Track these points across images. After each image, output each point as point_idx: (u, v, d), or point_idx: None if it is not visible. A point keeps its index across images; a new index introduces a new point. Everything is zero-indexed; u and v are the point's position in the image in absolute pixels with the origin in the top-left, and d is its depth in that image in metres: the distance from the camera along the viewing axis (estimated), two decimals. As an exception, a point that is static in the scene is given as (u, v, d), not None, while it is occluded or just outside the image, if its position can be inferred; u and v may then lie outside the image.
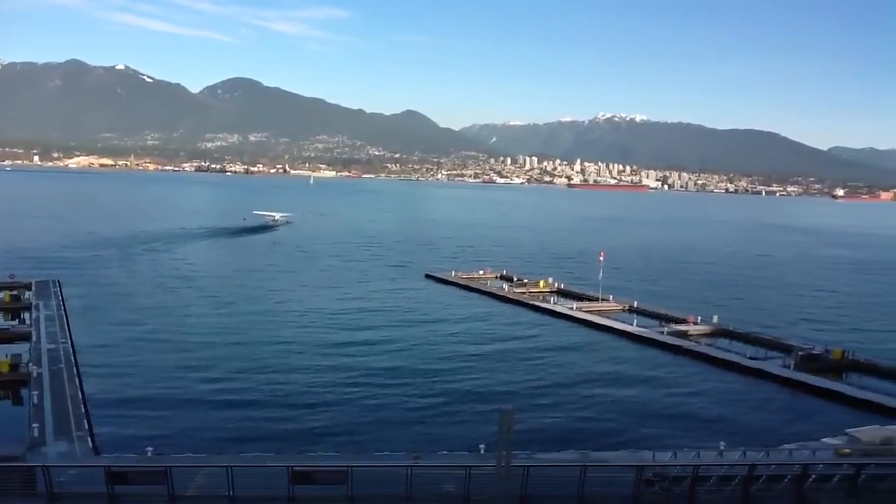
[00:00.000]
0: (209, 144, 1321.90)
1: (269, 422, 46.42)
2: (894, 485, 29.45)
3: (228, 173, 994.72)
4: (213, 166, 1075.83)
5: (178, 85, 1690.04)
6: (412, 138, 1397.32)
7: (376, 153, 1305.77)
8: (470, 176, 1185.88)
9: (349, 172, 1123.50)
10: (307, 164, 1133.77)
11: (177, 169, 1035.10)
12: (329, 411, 48.98)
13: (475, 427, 45.03)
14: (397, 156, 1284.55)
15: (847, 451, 37.29)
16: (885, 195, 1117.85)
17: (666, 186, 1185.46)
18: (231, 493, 27.88)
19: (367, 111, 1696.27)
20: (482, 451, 34.06)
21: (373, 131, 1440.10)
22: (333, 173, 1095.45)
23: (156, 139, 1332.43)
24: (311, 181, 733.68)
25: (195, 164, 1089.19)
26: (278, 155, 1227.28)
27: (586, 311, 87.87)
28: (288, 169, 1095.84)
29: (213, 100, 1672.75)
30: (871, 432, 41.06)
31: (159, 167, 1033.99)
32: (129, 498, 27.85)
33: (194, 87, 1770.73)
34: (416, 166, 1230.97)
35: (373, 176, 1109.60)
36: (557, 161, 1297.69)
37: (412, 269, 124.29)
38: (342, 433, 44.72)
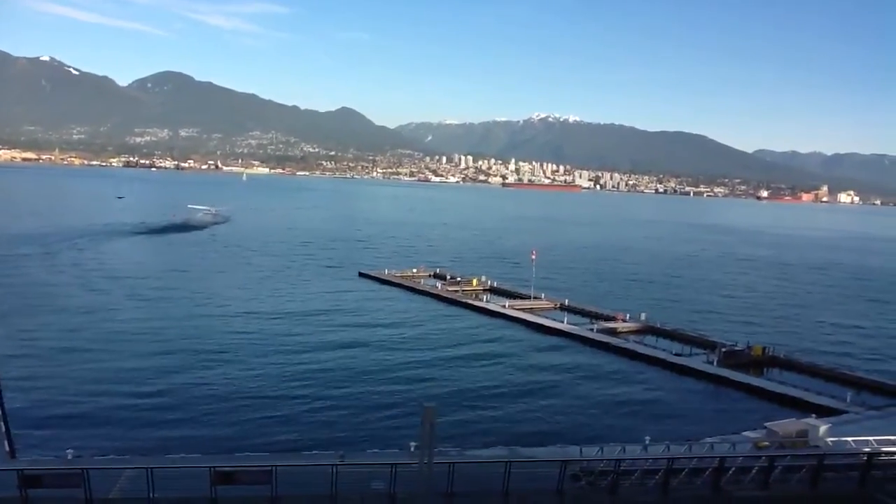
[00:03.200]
0: (138, 139, 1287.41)
1: (193, 423, 45.54)
2: (807, 475, 30.53)
3: (154, 169, 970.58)
4: (142, 162, 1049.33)
5: (106, 78, 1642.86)
6: (347, 136, 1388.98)
7: (311, 150, 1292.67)
8: (405, 174, 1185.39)
9: (283, 170, 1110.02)
10: (240, 161, 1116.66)
11: (104, 164, 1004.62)
12: (255, 411, 48.27)
13: (405, 425, 45.04)
14: (332, 153, 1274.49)
15: (765, 443, 38.52)
16: (806, 196, 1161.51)
17: (598, 186, 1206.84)
18: (151, 495, 27.22)
19: (302, 108, 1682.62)
20: (412, 449, 34.05)
21: (307, 128, 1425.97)
22: (267, 170, 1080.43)
23: (82, 133, 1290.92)
24: (244, 178, 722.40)
25: (123, 159, 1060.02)
26: (210, 151, 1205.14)
27: (518, 309, 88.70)
28: (220, 165, 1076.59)
29: (143, 94, 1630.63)
30: (787, 425, 42.53)
31: (85, 162, 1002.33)
32: (43, 502, 26.93)
33: (123, 81, 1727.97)
34: (351, 164, 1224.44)
35: (307, 173, 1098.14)
36: (492, 160, 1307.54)
37: (346, 268, 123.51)
38: (268, 433, 44.17)
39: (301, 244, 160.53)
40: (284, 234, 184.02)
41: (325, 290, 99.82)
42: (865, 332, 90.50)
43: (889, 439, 38.47)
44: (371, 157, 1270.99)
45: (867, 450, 34.27)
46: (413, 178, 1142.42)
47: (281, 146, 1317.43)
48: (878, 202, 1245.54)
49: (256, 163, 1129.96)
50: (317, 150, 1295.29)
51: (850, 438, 38.44)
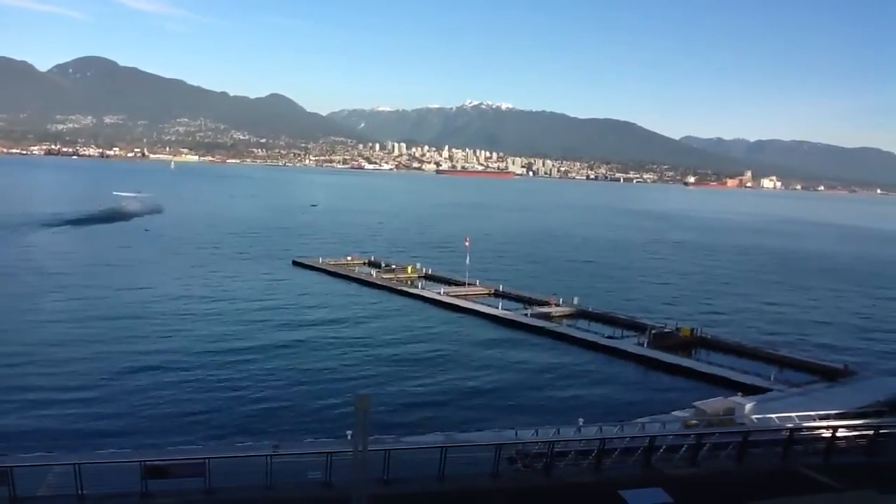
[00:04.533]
0: (60, 126, 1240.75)
1: (123, 417, 44.42)
2: (734, 452, 31.50)
3: (77, 157, 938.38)
4: (64, 150, 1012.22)
5: (25, 62, 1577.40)
6: (279, 123, 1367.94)
7: (241, 137, 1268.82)
8: (339, 162, 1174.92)
9: (213, 157, 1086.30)
10: (167, 149, 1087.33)
11: (24, 152, 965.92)
12: (188, 404, 47.36)
13: (340, 413, 44.86)
14: (263, 140, 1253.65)
15: (694, 422, 39.64)
16: (731, 182, 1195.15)
17: (531, 173, 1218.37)
18: (80, 491, 26.47)
19: (232, 94, 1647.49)
20: (348, 437, 33.91)
21: (237, 115, 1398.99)
22: (196, 158, 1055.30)
23: (0, 120, 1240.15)
24: (172, 166, 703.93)
25: (45, 147, 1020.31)
26: (136, 138, 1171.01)
27: (453, 296, 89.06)
28: (147, 153, 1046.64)
29: (64, 79, 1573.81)
30: (715, 404, 43.88)
31: (4, 150, 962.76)
32: (-35, 503, 25.93)
33: (43, 66, 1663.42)
34: (283, 151, 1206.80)
35: (238, 161, 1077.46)
36: (426, 147, 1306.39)
37: (280, 257, 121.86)
38: (201, 425, 43.42)
39: (233, 233, 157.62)
40: (216, 223, 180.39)
41: (258, 280, 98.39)
42: (788, 312, 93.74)
43: (809, 415, 40.05)
44: (303, 145, 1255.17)
45: (790, 426, 35.56)
46: (346, 166, 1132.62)
47: (210, 133, 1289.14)
48: (798, 187, 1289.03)
49: (185, 150, 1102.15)
50: (247, 137, 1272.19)
51: (773, 415, 39.86)
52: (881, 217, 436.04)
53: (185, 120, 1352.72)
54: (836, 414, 42.21)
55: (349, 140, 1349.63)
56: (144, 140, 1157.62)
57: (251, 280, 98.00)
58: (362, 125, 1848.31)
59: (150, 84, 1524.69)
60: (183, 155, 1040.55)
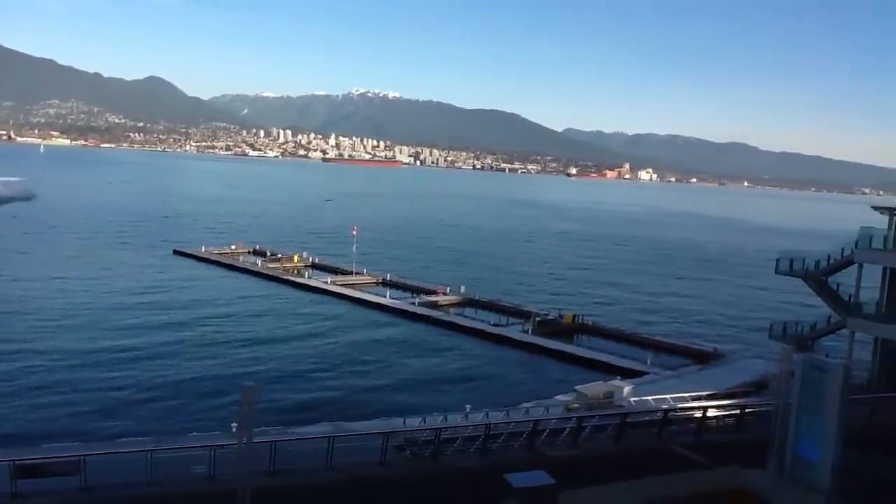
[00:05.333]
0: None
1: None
2: (612, 433, 32.76)
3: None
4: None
5: None
6: (157, 106, 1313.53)
7: (117, 121, 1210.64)
8: (221, 148, 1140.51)
9: (86, 141, 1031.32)
10: (36, 131, 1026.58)
11: None
12: (64, 399, 45.19)
13: (225, 406, 43.88)
14: (141, 125, 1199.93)
15: (575, 405, 41.01)
16: (610, 174, 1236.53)
17: (418, 162, 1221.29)
18: (-57, 496, 24.87)
19: (106, 75, 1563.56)
20: (234, 430, 33.23)
21: (112, 97, 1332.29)
22: (68, 142, 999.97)
23: None
24: (42, 149, 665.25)
25: None
26: (1, 120, 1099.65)
27: (341, 285, 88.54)
28: (13, 136, 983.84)
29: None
30: (595, 388, 45.57)
31: None
32: None
33: None
34: (162, 136, 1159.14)
35: (113, 146, 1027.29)
36: (312, 135, 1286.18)
37: (159, 246, 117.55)
38: (78, 422, 41.54)
39: (110, 221, 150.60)
40: (92, 210, 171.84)
41: (137, 270, 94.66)
42: (663, 299, 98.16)
43: (682, 396, 42.20)
44: (183, 130, 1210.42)
45: (664, 407, 37.36)
46: (229, 153, 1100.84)
47: (83, 116, 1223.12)
48: (672, 179, 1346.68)
49: (56, 133, 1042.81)
50: (123, 121, 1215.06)
51: (650, 397, 41.78)
52: (748, 208, 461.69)
53: (56, 102, 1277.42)
54: (707, 395, 44.65)
55: (232, 126, 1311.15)
56: (10, 122, 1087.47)
57: (129, 270, 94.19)
58: (246, 111, 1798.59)
59: (18, 63, 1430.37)
60: (53, 138, 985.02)
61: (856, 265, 50.88)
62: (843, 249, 52.27)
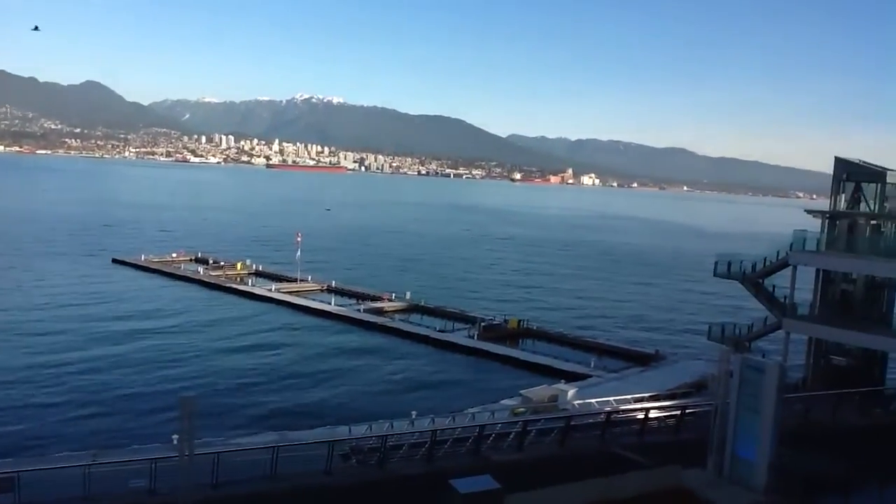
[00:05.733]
0: None
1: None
2: (557, 436, 33.03)
3: None
4: None
5: None
6: (95, 112, 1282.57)
7: (53, 127, 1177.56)
8: (162, 154, 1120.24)
9: (20, 148, 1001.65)
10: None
11: None
12: (-4, 415, 43.76)
13: (166, 418, 42.98)
14: (78, 130, 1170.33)
15: (521, 409, 41.30)
16: (554, 179, 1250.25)
17: (363, 168, 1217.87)
18: None
19: (41, 80, 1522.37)
20: (175, 442, 32.58)
21: (48, 102, 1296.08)
22: (2, 148, 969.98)
23: None
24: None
25: None
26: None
27: (285, 292, 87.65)
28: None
29: None
30: (540, 391, 45.98)
31: None
32: None
33: None
34: (100, 143, 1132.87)
35: (49, 152, 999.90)
36: (255, 141, 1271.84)
37: (98, 255, 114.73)
38: (11, 438, 40.24)
39: (46, 230, 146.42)
40: (26, 218, 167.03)
41: (74, 280, 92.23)
42: (606, 302, 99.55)
43: (625, 398, 42.81)
44: (122, 136, 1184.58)
45: (607, 409, 37.82)
46: (170, 159, 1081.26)
47: (17, 122, 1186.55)
48: (615, 184, 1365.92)
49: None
50: (59, 126, 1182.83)
51: (593, 400, 42.27)
52: (687, 213, 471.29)
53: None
54: (649, 396, 45.37)
55: (173, 132, 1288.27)
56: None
57: (67, 280, 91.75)
58: (187, 116, 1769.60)
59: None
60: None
61: (790, 267, 52.32)
62: (778, 252, 53.69)
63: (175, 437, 33.07)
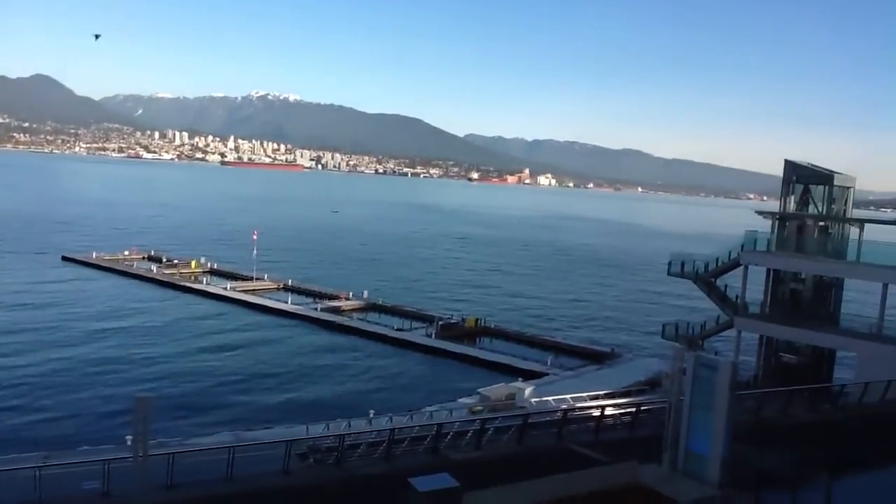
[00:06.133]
0: None
1: None
2: (515, 434, 33.23)
3: None
4: None
5: None
6: (44, 106, 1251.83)
7: (0, 121, 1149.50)
8: (114, 150, 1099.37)
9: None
10: None
11: None
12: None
13: (120, 419, 42.27)
14: (26, 125, 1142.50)
15: (478, 408, 41.48)
16: (511, 179, 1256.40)
17: (320, 166, 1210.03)
18: None
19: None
20: (129, 443, 32.02)
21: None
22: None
23: None
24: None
25: None
26: None
27: (241, 291, 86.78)
28: None
29: None
30: (497, 390, 46.22)
31: None
32: None
33: None
34: (49, 138, 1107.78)
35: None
36: (210, 137, 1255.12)
37: (47, 252, 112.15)
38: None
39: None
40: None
41: (23, 278, 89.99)
42: (562, 301, 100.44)
43: (581, 396, 43.29)
44: (73, 131, 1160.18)
45: (564, 407, 38.16)
46: (122, 155, 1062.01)
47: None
48: (571, 184, 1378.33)
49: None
50: (7, 120, 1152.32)
51: (550, 398, 42.68)
52: (642, 213, 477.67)
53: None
54: (605, 394, 45.99)
55: (125, 127, 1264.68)
56: None
57: (15, 278, 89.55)
58: (140, 112, 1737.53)
59: None
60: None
61: (742, 267, 53.43)
62: (730, 252, 54.78)
63: (129, 438, 32.59)
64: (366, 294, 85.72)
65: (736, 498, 20.79)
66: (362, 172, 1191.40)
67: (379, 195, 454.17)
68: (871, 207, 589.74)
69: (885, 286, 47.60)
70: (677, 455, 22.48)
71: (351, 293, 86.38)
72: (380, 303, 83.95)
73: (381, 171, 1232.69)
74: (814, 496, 22.13)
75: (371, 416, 37.41)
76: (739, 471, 21.25)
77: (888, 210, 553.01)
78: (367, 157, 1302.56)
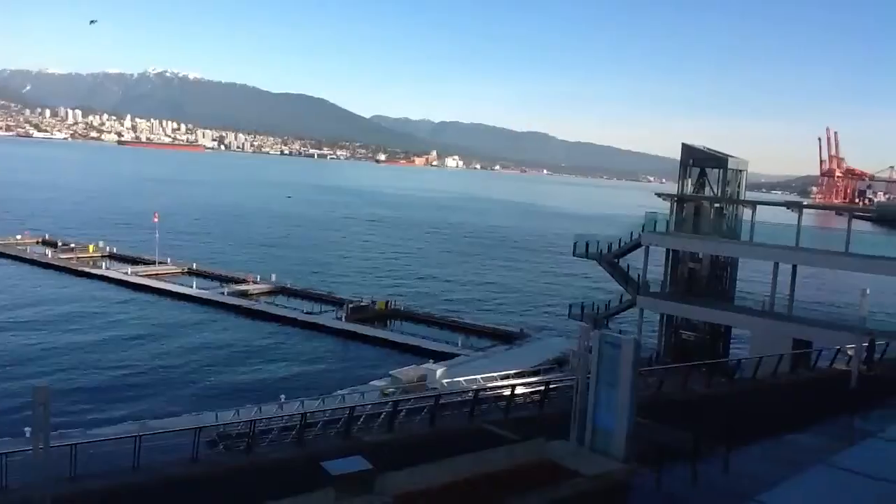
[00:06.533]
0: None
1: None
2: (427, 416, 33.61)
3: None
4: None
5: None
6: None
7: None
8: (0, 128, 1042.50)
9: None
10: None
11: None
12: None
13: (18, 410, 40.53)
14: None
15: (390, 390, 41.68)
16: (418, 160, 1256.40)
17: (223, 147, 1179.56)
18: None
19: None
20: (27, 435, 30.81)
21: None
22: None
23: None
24: None
25: None
26: None
27: (143, 276, 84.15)
28: None
29: None
30: (409, 372, 46.53)
31: None
32: None
33: None
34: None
35: None
36: (105, 116, 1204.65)
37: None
38: None
39: None
40: None
41: None
42: (472, 283, 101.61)
43: (492, 376, 44.07)
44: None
45: (475, 387, 38.77)
46: (10, 133, 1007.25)
47: None
48: (478, 166, 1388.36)
49: None
50: None
51: (461, 378, 43.25)
52: (548, 195, 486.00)
53: None
54: (515, 373, 46.91)
55: (13, 104, 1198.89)
56: None
57: None
58: (28, 88, 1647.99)
59: None
60: None
61: (643, 247, 55.31)
62: (632, 233, 56.60)
63: (28, 429, 31.37)
64: (274, 277, 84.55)
65: (639, 471, 21.72)
66: (267, 153, 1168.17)
67: (286, 177, 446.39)
68: (763, 190, 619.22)
69: (776, 265, 50.21)
70: (584, 431, 23.24)
71: (258, 277, 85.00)
72: (288, 286, 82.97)
73: (286, 151, 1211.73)
74: (712, 467, 23.33)
75: (282, 400, 37.09)
76: (643, 445, 22.20)
77: (778, 192, 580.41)
78: (272, 138, 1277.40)
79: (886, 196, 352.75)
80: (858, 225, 57.81)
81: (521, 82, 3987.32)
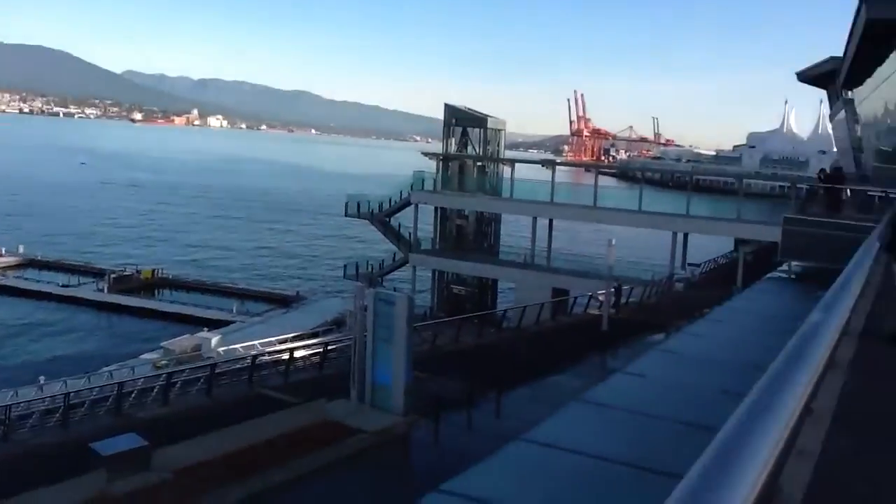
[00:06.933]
0: None
1: None
2: (204, 386, 32.99)
3: None
4: None
5: None
6: None
7: None
8: None
9: None
10: None
11: None
12: None
13: None
14: None
15: (163, 362, 40.25)
16: (178, 120, 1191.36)
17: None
18: None
19: None
20: None
21: None
22: None
23: None
24: None
25: None
26: None
27: None
28: None
29: None
30: (182, 342, 45.13)
31: None
32: None
33: None
34: None
35: None
36: None
37: None
38: None
39: None
40: None
41: None
42: (242, 247, 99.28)
43: (270, 341, 43.88)
44: None
45: (253, 353, 38.48)
46: None
47: None
48: (243, 126, 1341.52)
49: None
50: None
51: (238, 345, 42.66)
52: (317, 155, 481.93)
53: None
54: (293, 337, 46.96)
55: None
56: None
57: None
58: None
59: None
60: None
61: (413, 206, 57.16)
62: (401, 192, 58.23)
63: None
64: (21, 249, 77.39)
65: (418, 423, 22.98)
66: (3, 112, 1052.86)
67: (27, 139, 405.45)
68: (521, 149, 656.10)
69: (535, 220, 54.07)
70: (364, 388, 24.12)
71: (3, 249, 77.33)
72: (39, 258, 76.44)
73: (27, 110, 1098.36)
74: (485, 413, 25.16)
75: (41, 382, 34.66)
76: (421, 397, 23.47)
77: (535, 151, 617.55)
78: (8, 95, 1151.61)
79: (627, 154, 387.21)
80: (604, 181, 63.62)
81: (282, 39, 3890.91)
